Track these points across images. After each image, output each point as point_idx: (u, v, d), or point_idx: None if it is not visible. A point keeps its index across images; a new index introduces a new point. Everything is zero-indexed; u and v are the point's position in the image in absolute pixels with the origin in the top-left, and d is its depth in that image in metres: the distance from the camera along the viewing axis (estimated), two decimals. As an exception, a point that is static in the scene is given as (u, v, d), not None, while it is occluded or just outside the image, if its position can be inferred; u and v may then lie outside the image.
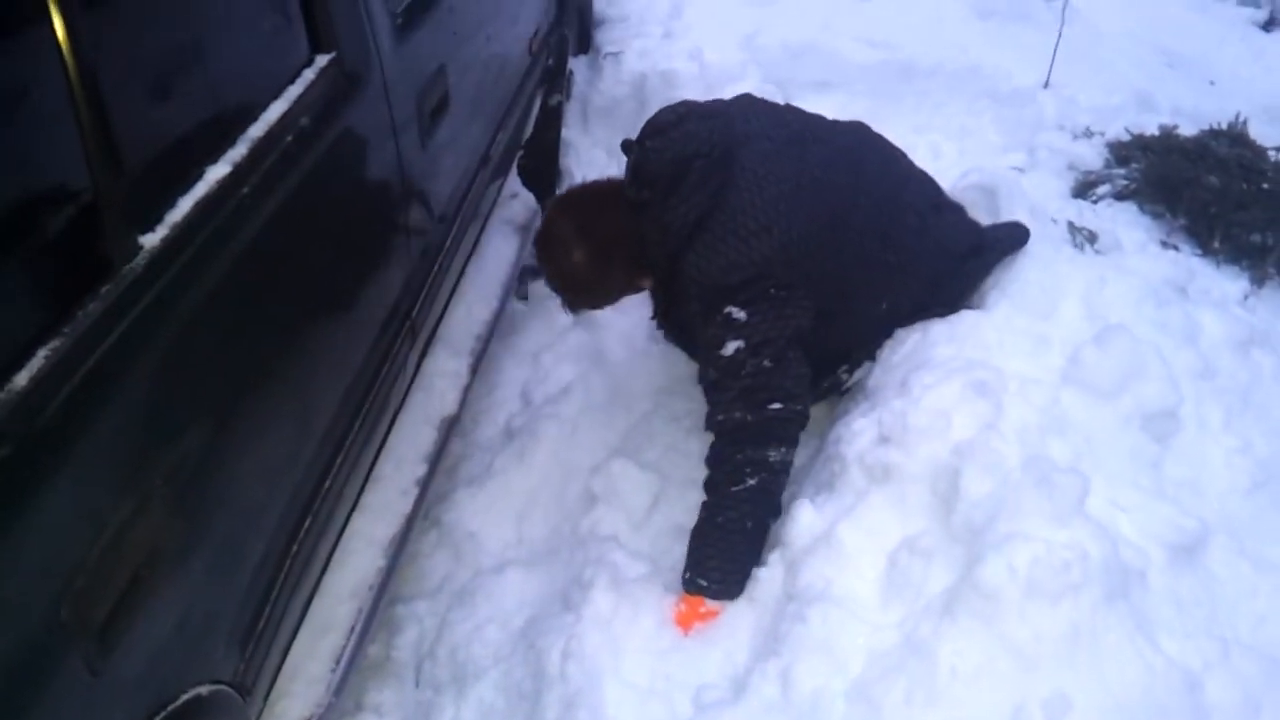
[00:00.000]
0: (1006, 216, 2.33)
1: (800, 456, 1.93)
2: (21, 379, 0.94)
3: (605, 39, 3.77)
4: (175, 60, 1.25)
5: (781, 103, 2.17)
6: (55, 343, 0.98)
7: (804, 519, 1.76)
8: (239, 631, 1.33)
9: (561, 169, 3.34)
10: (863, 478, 1.78)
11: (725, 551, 1.79)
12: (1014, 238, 2.16)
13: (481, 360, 2.36)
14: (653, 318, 2.24)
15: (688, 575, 1.80)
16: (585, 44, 3.81)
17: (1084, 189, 2.74)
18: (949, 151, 3.06)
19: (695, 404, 2.00)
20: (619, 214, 1.94)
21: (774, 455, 1.81)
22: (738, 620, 1.75)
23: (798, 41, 3.58)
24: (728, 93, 2.16)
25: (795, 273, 1.83)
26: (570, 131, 3.47)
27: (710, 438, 1.89)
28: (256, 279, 1.32)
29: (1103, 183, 2.74)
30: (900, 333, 2.05)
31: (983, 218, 2.26)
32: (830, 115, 2.10)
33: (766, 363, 1.81)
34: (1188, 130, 2.91)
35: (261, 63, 1.47)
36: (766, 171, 1.86)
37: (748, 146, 1.89)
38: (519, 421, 2.44)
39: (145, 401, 1.10)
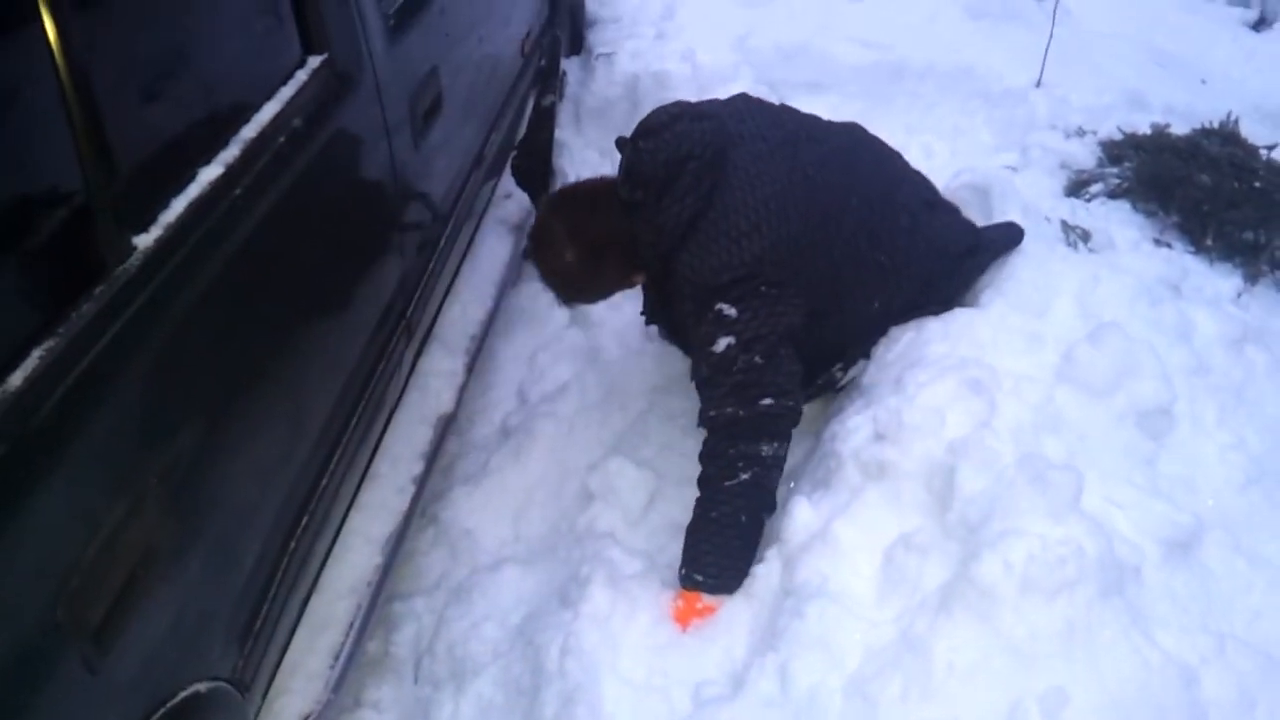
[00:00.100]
0: (999, 216, 2.34)
1: (796, 454, 1.93)
2: (16, 379, 0.94)
3: (598, 40, 3.78)
4: (168, 61, 1.25)
5: (776, 103, 2.17)
6: (49, 343, 0.99)
7: (800, 515, 1.76)
8: (237, 629, 1.33)
9: (554, 169, 3.35)
10: (858, 475, 1.78)
11: (720, 546, 1.79)
12: (1009, 238, 2.17)
13: (477, 359, 2.37)
14: (642, 313, 2.24)
15: (684, 571, 1.81)
16: (578, 45, 3.81)
17: (1077, 188, 2.75)
18: (942, 151, 3.06)
19: (690, 402, 2.00)
20: (612, 214, 1.94)
21: (766, 450, 1.82)
22: (735, 616, 1.75)
23: (790, 43, 3.58)
24: (720, 94, 2.16)
25: (786, 271, 1.84)
26: (563, 132, 3.48)
27: (704, 434, 1.89)
28: (250, 279, 1.32)
29: (1095, 181, 2.76)
30: (895, 330, 2.05)
31: (976, 217, 2.27)
32: (823, 116, 2.10)
33: (758, 359, 1.81)
34: (1180, 129, 2.92)
35: (254, 64, 1.47)
36: (759, 171, 1.86)
37: (740, 147, 1.89)
38: (515, 420, 2.44)
39: (140, 401, 1.10)
